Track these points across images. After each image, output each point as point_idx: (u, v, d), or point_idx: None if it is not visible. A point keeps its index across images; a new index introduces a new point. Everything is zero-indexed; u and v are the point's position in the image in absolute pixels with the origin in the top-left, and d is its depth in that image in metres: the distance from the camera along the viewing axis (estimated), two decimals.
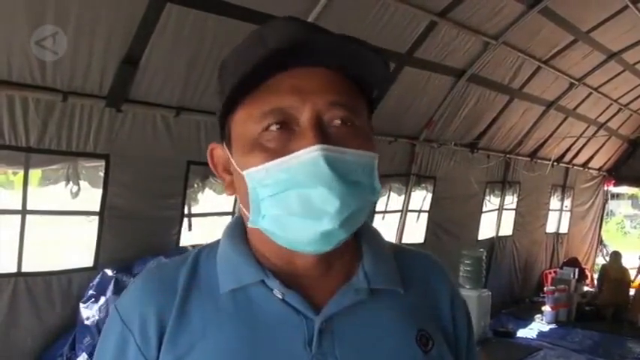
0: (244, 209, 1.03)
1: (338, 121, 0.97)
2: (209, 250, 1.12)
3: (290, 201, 0.94)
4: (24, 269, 4.56)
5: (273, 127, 0.96)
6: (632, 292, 10.82)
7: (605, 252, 14.62)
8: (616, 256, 11.47)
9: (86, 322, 4.57)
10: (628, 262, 11.99)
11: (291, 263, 1.04)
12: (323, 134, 0.94)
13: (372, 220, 7.41)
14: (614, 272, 10.86)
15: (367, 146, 0.98)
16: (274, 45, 0.94)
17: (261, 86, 0.96)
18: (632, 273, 11.78)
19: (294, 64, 0.96)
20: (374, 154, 0.99)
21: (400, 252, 1.18)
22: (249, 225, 1.01)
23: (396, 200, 8.39)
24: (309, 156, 0.92)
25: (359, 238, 1.10)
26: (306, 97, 0.95)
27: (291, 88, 0.96)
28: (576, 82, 10.07)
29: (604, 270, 11.25)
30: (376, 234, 1.15)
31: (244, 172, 0.97)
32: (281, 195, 0.95)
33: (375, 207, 7.19)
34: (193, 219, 5.69)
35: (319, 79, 0.97)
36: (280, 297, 1.02)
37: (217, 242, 1.12)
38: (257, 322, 1.01)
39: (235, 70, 0.97)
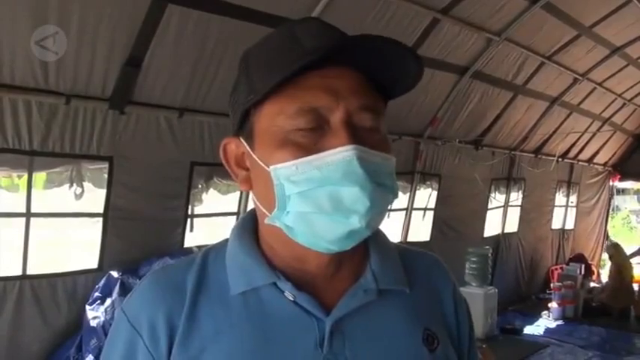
0: (262, 206, 1.04)
1: (365, 124, 0.99)
2: (217, 250, 1.11)
3: (320, 198, 0.95)
4: (29, 272, 4.57)
5: (305, 125, 0.96)
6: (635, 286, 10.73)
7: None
8: (619, 247, 11.12)
9: (92, 324, 4.58)
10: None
11: (303, 262, 1.05)
12: (354, 135, 0.96)
13: None
14: (628, 272, 10.55)
15: (387, 149, 1.01)
16: (311, 47, 0.96)
17: (291, 82, 0.96)
18: None
19: (326, 64, 0.97)
20: (394, 158, 1.02)
21: (403, 252, 1.20)
22: (269, 221, 1.01)
23: (401, 198, 8.37)
24: (343, 155, 0.94)
25: (366, 239, 1.10)
26: (340, 97, 0.97)
27: (325, 88, 0.97)
28: (580, 78, 10.04)
29: (619, 270, 10.58)
30: (382, 234, 1.16)
31: (271, 168, 0.97)
32: (311, 192, 0.95)
33: None
34: (198, 219, 5.70)
35: (350, 81, 0.99)
36: (292, 299, 1.02)
37: (225, 242, 1.12)
38: (268, 324, 1.01)
39: (267, 68, 0.98)
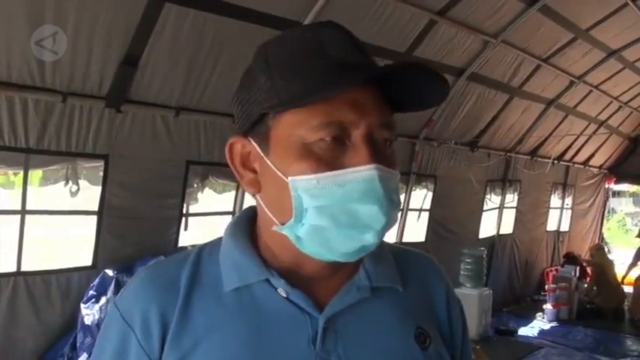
0: (270, 211, 1.03)
1: (382, 141, 1.00)
2: (211, 247, 1.11)
3: (338, 214, 0.95)
4: (23, 268, 4.58)
5: (327, 139, 0.95)
6: (627, 289, 10.77)
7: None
8: (602, 250, 11.33)
9: (87, 323, 4.58)
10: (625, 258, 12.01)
11: (300, 266, 1.05)
12: (375, 153, 0.96)
13: None
14: (611, 273, 10.76)
15: (396, 165, 1.02)
16: (342, 58, 0.96)
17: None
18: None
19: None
20: (399, 173, 1.03)
21: (398, 252, 1.20)
22: (279, 230, 1.00)
23: None
24: (365, 174, 0.94)
25: None
26: (364, 113, 0.96)
27: (350, 103, 0.95)
28: (576, 80, 10.07)
29: (600, 271, 10.77)
30: None
31: (290, 179, 0.96)
32: (330, 207, 0.95)
33: None
34: (193, 219, 5.70)
35: (373, 97, 0.98)
36: (284, 295, 1.02)
37: (219, 240, 1.11)
38: (261, 321, 1.01)
39: (296, 76, 0.97)
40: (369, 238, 0.96)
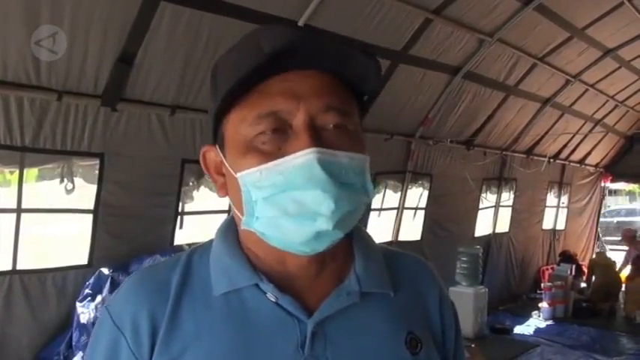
0: (237, 211, 1.04)
1: (331, 125, 0.98)
2: (202, 251, 1.12)
3: (284, 203, 0.95)
4: (19, 267, 4.58)
5: (267, 131, 0.96)
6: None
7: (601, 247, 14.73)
8: (601, 252, 12.06)
9: (82, 321, 4.58)
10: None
11: (284, 264, 1.05)
12: (316, 137, 0.95)
13: (367, 218, 7.42)
14: (601, 260, 11.36)
15: (358, 148, 1.00)
16: (269, 50, 0.94)
17: (254, 89, 0.96)
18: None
19: (287, 68, 0.97)
20: (365, 157, 1.01)
21: (390, 254, 1.19)
22: (243, 226, 1.02)
23: (392, 198, 8.40)
24: (303, 159, 0.94)
25: (351, 241, 1.11)
26: (300, 100, 0.96)
27: (284, 92, 0.96)
28: (572, 79, 10.07)
29: (592, 262, 11.72)
30: (367, 237, 1.16)
31: (238, 175, 0.98)
32: (275, 197, 0.96)
33: (370, 205, 7.18)
34: (189, 217, 5.70)
35: (312, 83, 0.98)
36: (274, 300, 1.03)
37: (210, 243, 1.12)
38: (250, 325, 1.01)
39: (230, 73, 0.98)
40: (322, 225, 0.94)
